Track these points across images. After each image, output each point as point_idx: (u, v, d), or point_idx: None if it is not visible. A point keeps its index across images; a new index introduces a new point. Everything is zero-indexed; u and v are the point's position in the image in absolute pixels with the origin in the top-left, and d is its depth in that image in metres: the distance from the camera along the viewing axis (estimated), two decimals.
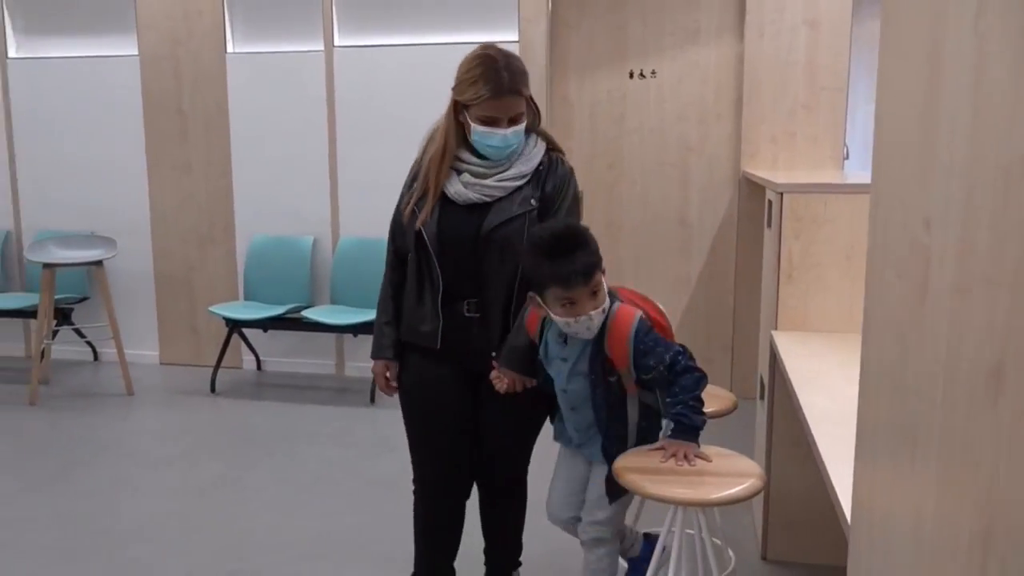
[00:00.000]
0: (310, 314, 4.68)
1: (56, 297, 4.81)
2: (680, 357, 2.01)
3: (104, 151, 5.29)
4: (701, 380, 2.02)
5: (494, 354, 2.18)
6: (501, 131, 2.09)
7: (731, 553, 2.66)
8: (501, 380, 2.15)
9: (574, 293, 1.92)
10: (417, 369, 2.29)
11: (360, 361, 4.95)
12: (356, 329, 4.58)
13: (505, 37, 4.72)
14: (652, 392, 2.13)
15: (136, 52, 5.17)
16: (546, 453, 2.41)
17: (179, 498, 3.47)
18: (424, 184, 2.17)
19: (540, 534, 2.62)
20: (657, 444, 2.06)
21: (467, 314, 2.19)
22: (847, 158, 4.66)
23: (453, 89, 2.14)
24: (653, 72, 4.68)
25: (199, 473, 3.72)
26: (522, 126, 2.13)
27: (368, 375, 3.30)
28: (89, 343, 5.47)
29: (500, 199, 2.14)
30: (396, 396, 2.37)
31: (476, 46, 2.18)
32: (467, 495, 2.40)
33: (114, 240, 4.92)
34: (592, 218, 4.85)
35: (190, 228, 5.28)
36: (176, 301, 5.35)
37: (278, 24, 5.02)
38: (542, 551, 2.77)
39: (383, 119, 4.88)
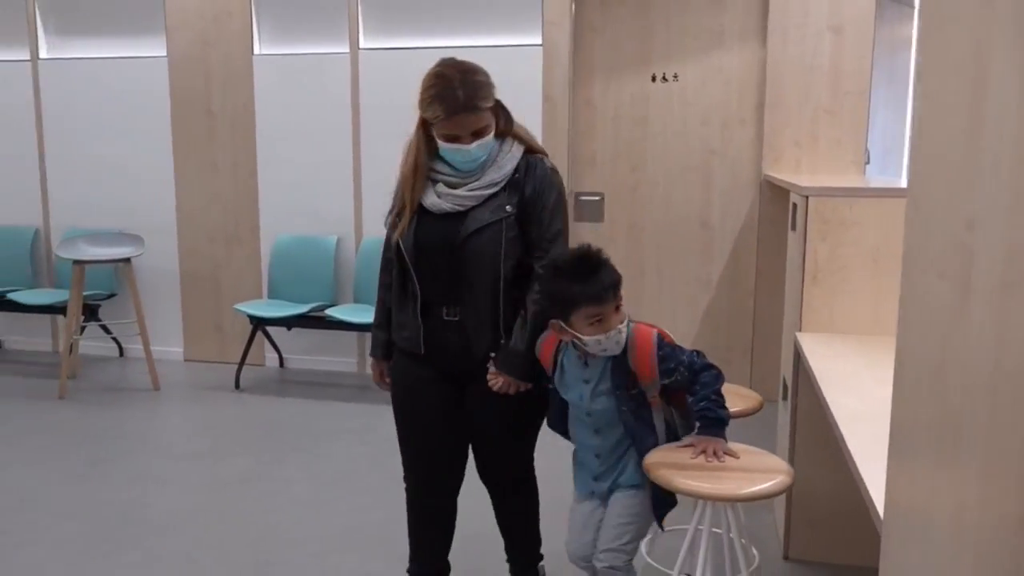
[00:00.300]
0: (333, 312, 4.74)
1: (84, 294, 4.89)
2: (696, 357, 2.10)
3: (132, 151, 5.38)
4: (719, 376, 2.10)
5: (492, 355, 2.20)
6: (465, 146, 2.11)
7: (755, 551, 2.69)
8: (496, 379, 2.19)
9: (605, 309, 2.00)
10: (401, 371, 2.35)
11: None
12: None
13: (529, 40, 4.77)
14: (671, 408, 2.18)
15: (165, 53, 5.25)
16: (554, 444, 2.42)
17: (208, 491, 3.53)
18: (400, 199, 2.22)
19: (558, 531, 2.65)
20: (686, 441, 2.10)
21: (446, 318, 2.22)
22: (868, 162, 4.68)
23: (418, 106, 2.16)
24: (676, 76, 4.72)
25: (227, 467, 3.78)
26: (488, 138, 2.14)
27: None
28: (115, 339, 5.55)
29: (474, 208, 2.16)
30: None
31: (438, 61, 2.17)
32: (454, 493, 2.44)
33: (142, 238, 5.00)
34: (614, 220, 4.90)
35: (216, 227, 5.35)
36: (201, 299, 5.43)
37: (305, 26, 5.09)
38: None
39: (407, 121, 4.88)
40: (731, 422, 2.47)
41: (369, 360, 2.49)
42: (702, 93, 4.70)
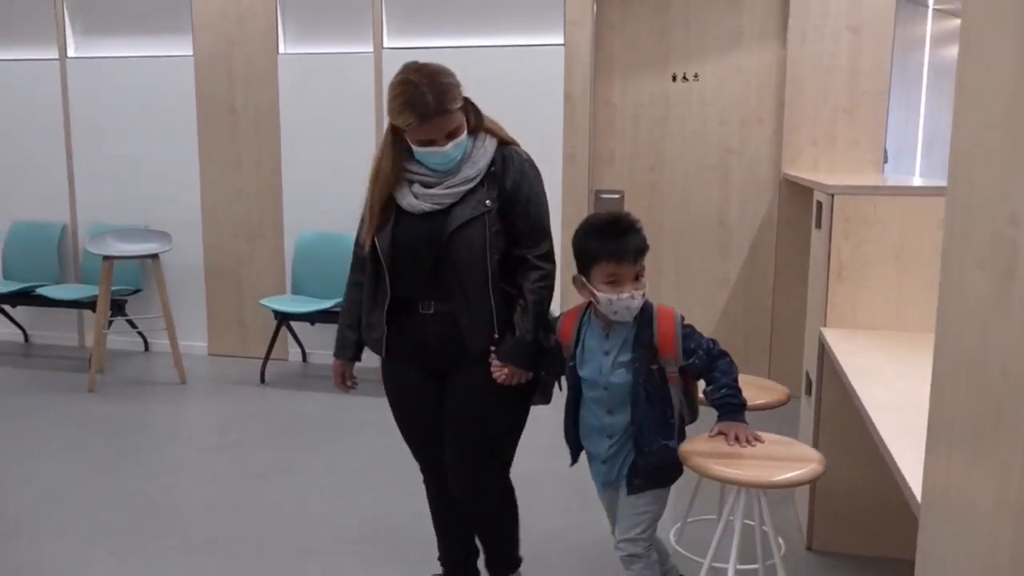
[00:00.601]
0: None
1: (111, 289, 4.97)
2: (713, 344, 2.15)
3: (157, 149, 5.46)
4: (734, 364, 2.15)
5: (493, 348, 2.21)
6: (440, 149, 2.12)
7: (780, 540, 2.75)
8: (500, 370, 2.20)
9: (622, 269, 2.02)
10: (391, 371, 2.37)
11: None
12: None
13: (551, 40, 4.83)
14: (680, 390, 2.20)
15: (191, 53, 5.33)
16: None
17: (239, 481, 3.61)
18: (372, 201, 2.21)
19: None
20: (715, 431, 2.15)
21: (422, 311, 2.23)
22: (886, 162, 4.73)
23: (388, 113, 2.16)
24: (696, 75, 4.78)
25: (256, 459, 3.86)
26: (462, 137, 2.15)
27: None
28: (141, 334, 5.64)
29: (454, 205, 2.16)
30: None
31: (402, 67, 2.16)
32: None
33: (169, 234, 5.09)
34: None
35: (240, 224, 5.43)
36: (225, 294, 5.51)
37: (329, 26, 5.16)
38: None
39: None
40: (754, 416, 2.55)
41: (333, 361, 2.45)
42: (721, 92, 4.76)
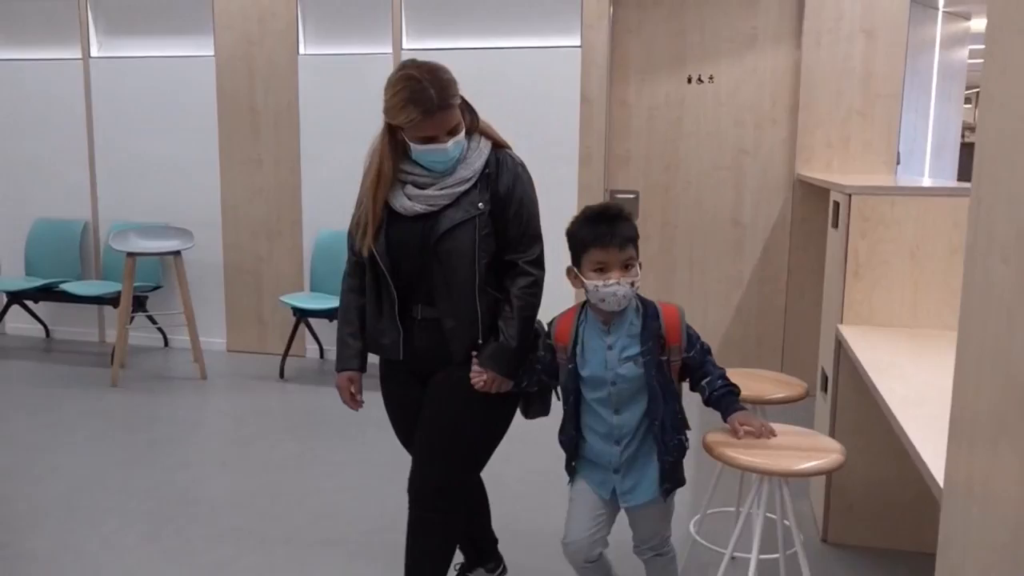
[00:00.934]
0: None
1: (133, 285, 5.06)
2: (703, 342, 2.18)
3: (179, 147, 5.55)
4: (717, 370, 2.18)
5: (475, 353, 2.16)
6: (441, 146, 2.08)
7: (798, 531, 2.81)
8: (480, 375, 2.15)
9: (609, 256, 2.02)
10: (384, 377, 2.34)
11: None
12: None
13: (568, 42, 4.90)
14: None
15: (212, 53, 5.42)
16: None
17: (262, 474, 3.68)
18: (366, 203, 2.15)
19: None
20: (731, 426, 2.14)
21: (417, 317, 2.20)
22: (899, 163, 4.79)
23: (384, 113, 2.10)
24: (711, 77, 4.84)
25: (278, 451, 3.94)
26: (461, 135, 2.12)
27: None
28: (160, 330, 5.72)
29: (447, 207, 2.12)
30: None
31: (399, 65, 2.11)
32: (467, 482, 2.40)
33: (190, 232, 5.17)
34: (648, 218, 5.03)
35: (259, 221, 5.51)
36: (244, 291, 5.59)
37: (348, 27, 5.24)
38: None
39: None
40: (771, 411, 2.61)
41: (336, 376, 2.32)
42: (736, 94, 4.82)
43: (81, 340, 5.92)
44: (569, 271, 2.13)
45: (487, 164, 2.16)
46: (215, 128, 5.48)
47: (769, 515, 2.53)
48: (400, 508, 3.29)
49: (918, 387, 2.19)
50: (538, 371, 2.22)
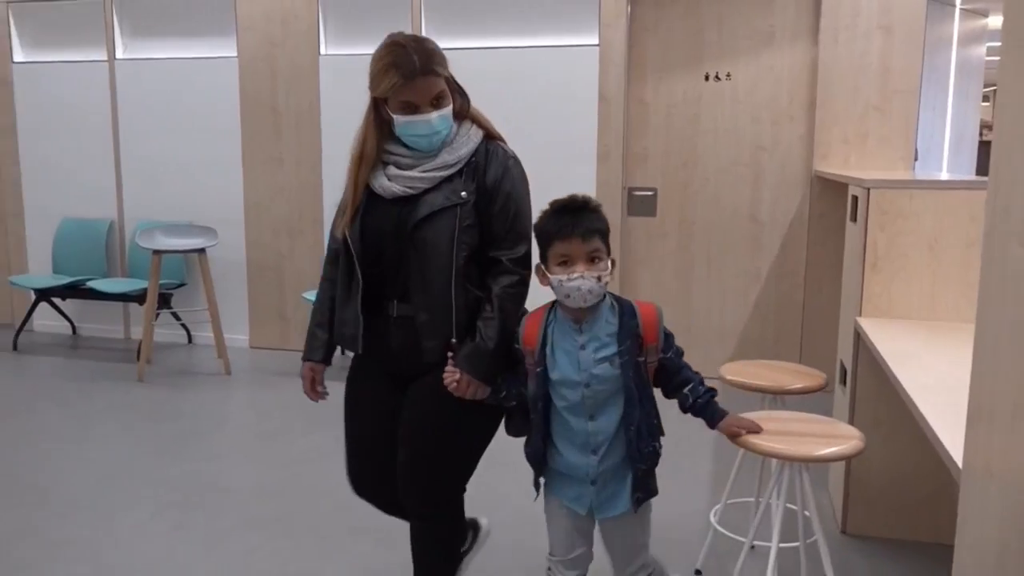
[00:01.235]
0: None
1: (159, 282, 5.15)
2: (677, 345, 2.07)
3: (202, 147, 5.64)
4: (697, 375, 2.08)
5: (451, 354, 2.01)
6: (424, 116, 1.98)
7: (819, 524, 2.85)
8: (453, 375, 2.00)
9: (572, 248, 1.90)
10: (352, 368, 2.23)
11: None
12: None
13: (585, 40, 4.95)
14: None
15: (235, 54, 5.50)
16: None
17: (287, 466, 3.75)
18: (346, 189, 2.09)
19: None
20: (726, 432, 2.09)
21: (393, 314, 2.07)
22: (916, 159, 4.80)
23: (369, 88, 2.02)
24: (728, 75, 4.88)
25: (301, 445, 4.01)
26: (447, 110, 2.01)
27: None
28: (184, 326, 5.82)
29: (427, 191, 2.02)
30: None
31: (386, 37, 2.04)
32: (390, 507, 2.27)
33: (214, 230, 5.25)
34: (666, 215, 5.07)
35: (281, 219, 5.59)
36: (266, 288, 5.67)
37: (369, 27, 5.31)
38: None
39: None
40: (791, 401, 2.64)
41: (301, 365, 2.24)
42: (753, 91, 4.85)
43: (107, 337, 6.02)
44: (537, 268, 2.00)
45: (475, 154, 2.06)
46: (238, 128, 5.56)
47: (789, 505, 2.57)
48: None
49: (937, 376, 2.22)
50: (519, 383, 2.05)
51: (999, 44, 1.38)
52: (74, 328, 6.10)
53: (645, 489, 2.01)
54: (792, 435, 2.13)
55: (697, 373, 2.06)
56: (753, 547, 2.86)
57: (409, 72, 1.94)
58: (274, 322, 5.69)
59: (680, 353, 2.05)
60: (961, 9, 5.58)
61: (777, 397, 2.70)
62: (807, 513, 2.38)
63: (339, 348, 2.24)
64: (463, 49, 5.13)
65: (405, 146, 2.04)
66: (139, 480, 3.58)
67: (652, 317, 1.98)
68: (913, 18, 4.52)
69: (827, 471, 3.46)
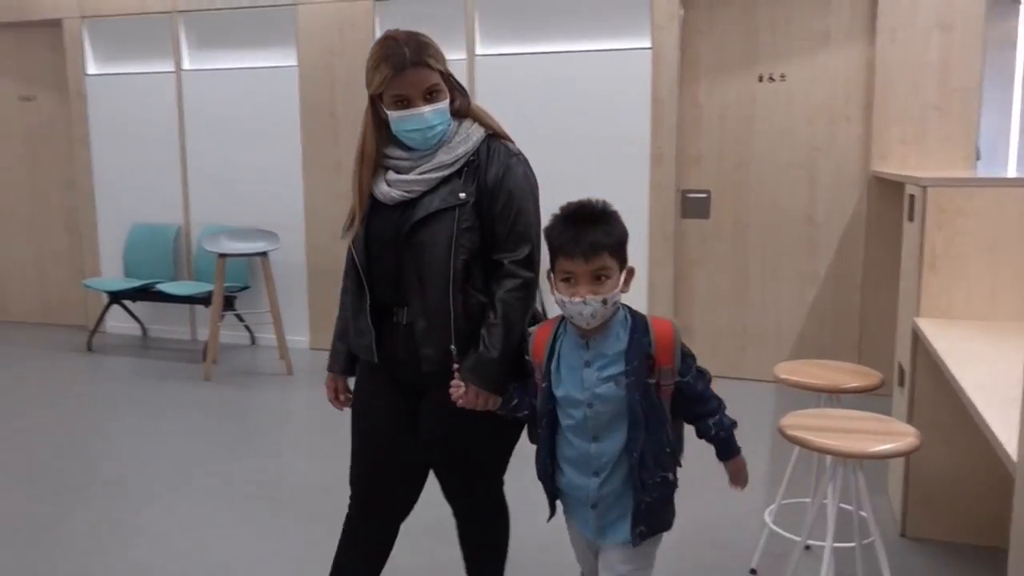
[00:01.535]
0: None
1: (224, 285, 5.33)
2: (705, 373, 1.89)
3: (264, 153, 5.82)
4: (723, 405, 1.91)
5: (456, 366, 1.94)
6: (417, 110, 1.91)
7: (874, 524, 2.83)
8: (459, 388, 1.93)
9: (575, 266, 1.75)
10: (360, 379, 2.17)
11: None
12: None
13: (637, 44, 4.98)
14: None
15: (295, 63, 5.67)
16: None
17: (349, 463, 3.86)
18: (354, 190, 2.05)
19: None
20: (731, 470, 1.93)
21: (397, 321, 2.02)
22: (979, 159, 4.71)
23: (366, 85, 1.98)
24: (783, 76, 4.86)
25: None
26: (442, 104, 1.95)
27: None
28: (248, 328, 6.01)
29: (425, 194, 1.96)
30: None
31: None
32: (398, 519, 2.23)
33: (276, 234, 5.42)
34: (720, 217, 5.06)
35: (339, 224, 5.66)
36: (326, 291, 5.82)
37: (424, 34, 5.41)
38: None
39: (518, 121, 5.17)
40: (848, 400, 2.64)
41: (327, 376, 2.24)
42: (808, 92, 4.82)
43: (175, 338, 6.25)
44: (548, 275, 1.87)
45: (476, 154, 1.98)
46: (298, 135, 5.73)
47: (844, 506, 2.57)
48: None
49: (996, 376, 2.21)
50: (531, 394, 1.94)
51: None
52: (144, 329, 6.35)
53: (650, 523, 1.84)
54: (846, 432, 2.15)
55: (721, 402, 1.88)
56: (808, 547, 2.86)
57: (399, 63, 1.89)
58: (333, 324, 5.82)
59: (703, 377, 1.87)
60: None
61: (833, 396, 2.70)
62: (863, 513, 2.38)
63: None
64: (516, 55, 5.21)
65: (404, 149, 1.99)
66: (207, 473, 3.73)
67: (667, 336, 1.80)
68: (973, 15, 4.44)
69: (886, 474, 3.43)
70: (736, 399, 4.81)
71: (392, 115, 1.94)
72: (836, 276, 4.90)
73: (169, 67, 5.99)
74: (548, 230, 1.83)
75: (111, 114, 6.20)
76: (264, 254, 5.26)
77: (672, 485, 1.86)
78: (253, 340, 6.05)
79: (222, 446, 4.08)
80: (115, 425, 4.45)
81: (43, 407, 4.75)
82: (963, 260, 2.90)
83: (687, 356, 1.84)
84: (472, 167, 1.97)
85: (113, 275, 6.26)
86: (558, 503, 1.97)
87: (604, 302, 1.75)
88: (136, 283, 5.82)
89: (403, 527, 2.24)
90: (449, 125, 1.98)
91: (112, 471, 3.79)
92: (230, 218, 5.90)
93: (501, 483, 2.21)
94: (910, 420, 3.02)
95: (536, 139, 5.15)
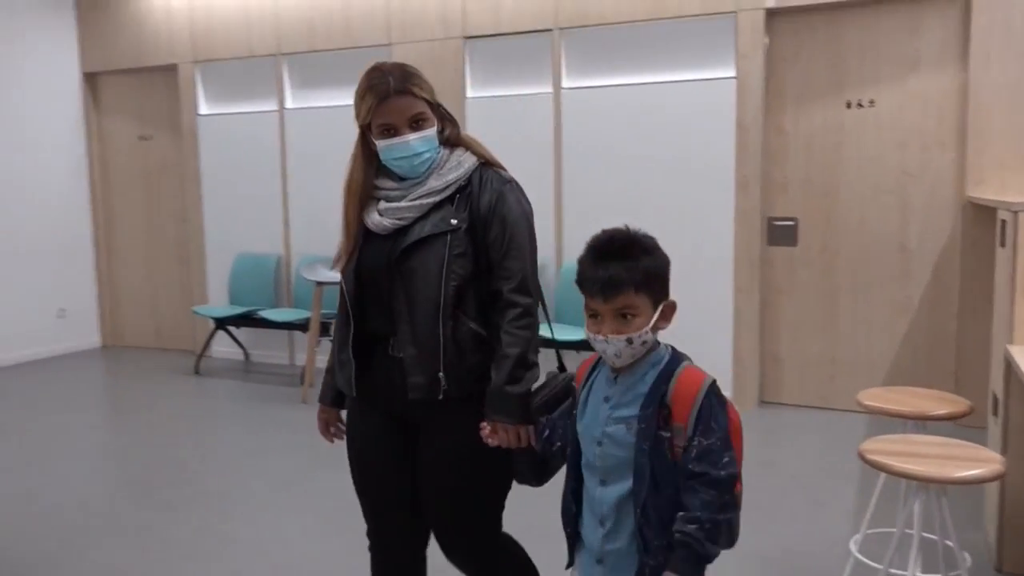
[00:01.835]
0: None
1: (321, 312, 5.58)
2: (731, 466, 1.58)
3: None
4: (732, 506, 1.58)
5: (484, 425, 1.89)
6: (403, 138, 1.92)
7: (966, 555, 2.76)
8: (486, 429, 1.90)
9: (596, 305, 1.64)
10: (353, 414, 2.13)
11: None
12: (577, 346, 4.98)
13: (722, 73, 5.02)
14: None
15: None
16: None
17: None
18: (344, 221, 2.04)
19: None
20: None
21: (391, 353, 1.98)
22: None
23: (355, 119, 2.01)
24: (871, 101, 4.80)
25: None
26: (429, 132, 1.95)
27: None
28: None
29: (416, 220, 1.95)
30: None
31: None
32: (418, 550, 2.17)
33: None
34: (808, 244, 5.01)
35: None
36: None
37: (511, 70, 5.60)
38: None
39: (604, 153, 5.31)
40: (938, 427, 2.59)
41: (318, 407, 2.23)
42: (898, 117, 4.75)
43: (275, 362, 6.56)
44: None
45: (469, 181, 1.98)
46: None
47: (927, 535, 2.51)
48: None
49: None
50: (565, 424, 1.83)
51: None
52: (246, 354, 6.68)
53: None
54: (929, 457, 2.13)
55: (712, 504, 1.55)
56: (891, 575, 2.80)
57: (383, 92, 1.91)
58: None
59: (711, 457, 1.57)
60: None
61: (919, 423, 2.66)
62: (948, 543, 2.33)
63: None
64: (601, 87, 5.32)
65: (394, 179, 2.00)
66: (304, 489, 3.92)
67: (689, 390, 1.61)
68: None
69: (982, 506, 3.32)
70: (824, 429, 4.77)
71: (379, 144, 1.95)
72: (931, 303, 4.77)
73: (273, 106, 6.37)
74: (579, 261, 1.70)
75: (219, 151, 6.62)
76: None
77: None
78: None
79: (316, 464, 4.27)
80: (219, 442, 4.72)
81: (154, 425, 5.07)
82: None
83: (703, 419, 1.59)
84: (464, 194, 1.97)
85: (219, 303, 6.63)
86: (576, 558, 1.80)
87: (629, 341, 1.62)
88: (240, 310, 6.16)
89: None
90: (438, 153, 1.99)
91: (215, 485, 4.02)
92: (327, 248, 6.13)
93: (498, 526, 2.11)
94: (1004, 450, 2.93)
95: (621, 167, 5.26)
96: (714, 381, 1.63)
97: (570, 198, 5.44)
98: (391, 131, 1.93)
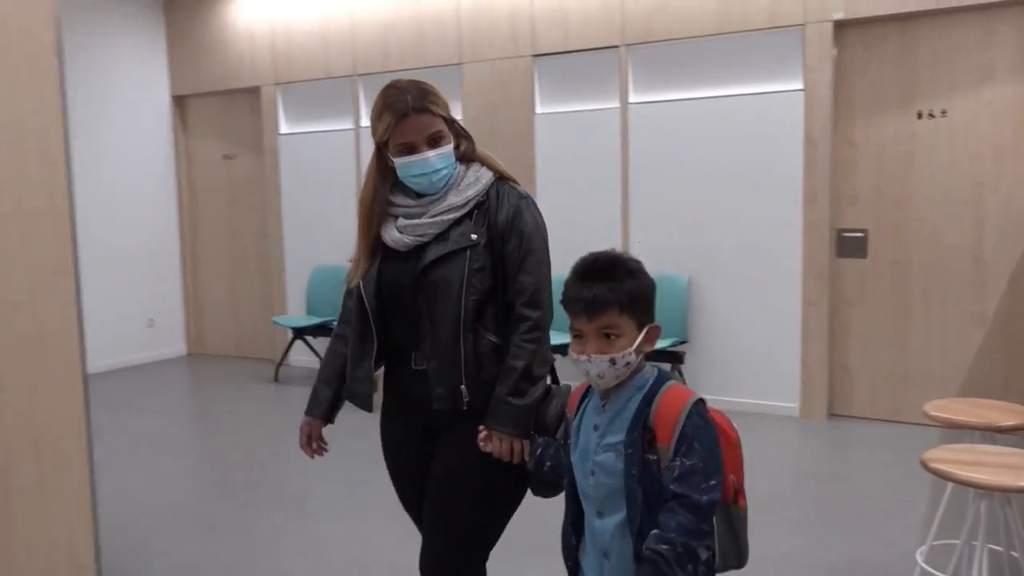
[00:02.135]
0: None
1: None
2: (713, 491, 1.54)
3: None
4: (708, 533, 1.55)
5: (481, 430, 1.92)
6: (422, 156, 1.93)
7: None
8: (482, 433, 1.93)
9: (580, 324, 1.63)
10: (383, 429, 2.17)
11: None
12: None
13: (790, 86, 5.03)
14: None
15: (459, 117, 6.11)
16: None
17: None
18: (358, 236, 2.05)
19: None
20: None
21: (415, 367, 2.01)
22: None
23: (372, 136, 2.02)
24: (943, 112, 4.75)
25: None
26: (446, 149, 1.96)
27: None
28: None
29: (437, 236, 1.97)
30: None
31: None
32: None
33: None
34: (878, 256, 4.97)
35: None
36: None
37: (579, 86, 5.71)
38: None
39: (671, 166, 5.36)
40: (1006, 438, 2.57)
41: (302, 418, 2.23)
42: (972, 127, 4.69)
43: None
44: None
45: (486, 196, 1.99)
46: None
47: (993, 546, 2.49)
48: None
49: None
50: (558, 446, 1.85)
51: None
52: None
53: None
54: (994, 467, 2.14)
55: (683, 529, 1.52)
56: None
57: (402, 110, 1.92)
58: None
59: (691, 478, 1.53)
60: None
61: (988, 435, 2.65)
62: (1014, 554, 2.32)
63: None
64: (668, 101, 5.38)
65: (411, 196, 2.01)
66: (376, 491, 4.06)
67: (671, 411, 1.58)
68: None
69: None
70: (893, 441, 4.72)
71: (397, 162, 1.96)
72: (1007, 316, 4.67)
73: (349, 124, 6.62)
74: (564, 283, 1.70)
75: (298, 168, 6.91)
76: None
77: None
78: None
79: (384, 469, 4.43)
80: (296, 446, 4.88)
81: (236, 430, 5.32)
82: None
83: (686, 439, 1.55)
84: (482, 209, 1.99)
85: (297, 313, 6.90)
86: None
87: (612, 362, 1.60)
88: (317, 320, 6.40)
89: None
90: (455, 169, 2.00)
91: (294, 486, 4.22)
92: None
93: (486, 553, 2.09)
94: None
95: (688, 181, 5.31)
96: (700, 400, 1.60)
97: (637, 212, 5.51)
98: (410, 149, 1.95)
